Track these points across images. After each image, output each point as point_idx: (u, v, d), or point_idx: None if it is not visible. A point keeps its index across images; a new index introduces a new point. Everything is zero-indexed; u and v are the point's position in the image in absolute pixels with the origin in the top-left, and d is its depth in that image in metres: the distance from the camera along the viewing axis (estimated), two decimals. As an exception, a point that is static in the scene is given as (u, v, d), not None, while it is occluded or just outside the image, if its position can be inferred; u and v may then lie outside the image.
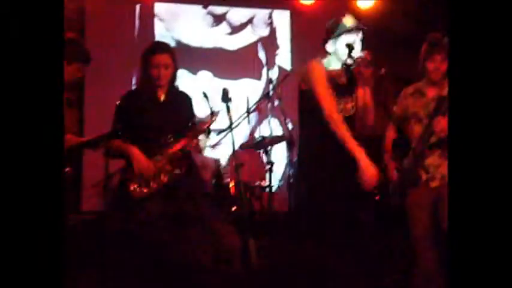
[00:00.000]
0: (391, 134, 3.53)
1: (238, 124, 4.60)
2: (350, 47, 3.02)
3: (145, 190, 3.21)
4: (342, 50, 3.03)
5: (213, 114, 3.34)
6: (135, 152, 3.23)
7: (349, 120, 3.06)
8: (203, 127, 3.36)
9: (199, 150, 3.53)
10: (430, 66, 3.24)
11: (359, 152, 2.91)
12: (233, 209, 4.86)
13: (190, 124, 3.37)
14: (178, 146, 3.28)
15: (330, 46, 3.09)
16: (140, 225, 1.25)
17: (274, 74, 6.77)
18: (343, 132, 2.94)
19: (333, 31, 3.08)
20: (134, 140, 3.28)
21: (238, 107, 4.65)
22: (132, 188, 3.20)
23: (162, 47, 3.38)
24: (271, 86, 5.35)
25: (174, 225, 1.25)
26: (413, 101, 3.36)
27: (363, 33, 3.06)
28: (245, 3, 6.80)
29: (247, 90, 6.60)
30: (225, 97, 3.51)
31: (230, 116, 3.57)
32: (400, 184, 3.35)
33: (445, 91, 3.18)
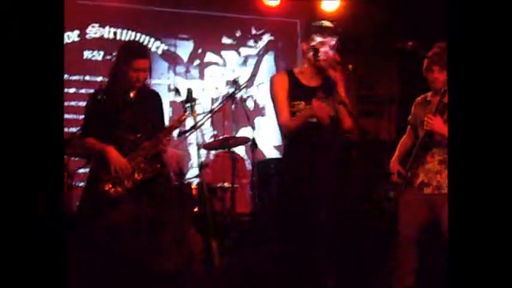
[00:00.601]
0: (404, 140, 3.64)
1: (202, 124, 4.55)
2: (315, 50, 3.09)
3: (119, 189, 3.17)
4: (311, 50, 3.11)
5: (185, 111, 3.34)
6: (112, 151, 3.20)
7: (323, 127, 3.10)
8: (174, 125, 3.36)
9: (164, 150, 3.49)
10: (430, 77, 3.37)
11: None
12: (195, 209, 4.81)
13: (162, 122, 3.38)
14: (151, 144, 3.26)
15: (304, 46, 3.22)
16: (114, 227, 1.21)
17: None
18: (292, 123, 3.11)
19: (307, 30, 3.24)
20: (106, 139, 3.23)
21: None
22: (106, 188, 3.15)
23: (144, 52, 3.36)
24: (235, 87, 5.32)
25: (148, 226, 1.21)
26: (421, 109, 3.49)
27: (337, 39, 3.15)
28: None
29: (212, 91, 6.56)
30: (189, 97, 3.48)
31: (195, 116, 3.55)
32: (399, 187, 3.45)
33: (446, 98, 3.29)
